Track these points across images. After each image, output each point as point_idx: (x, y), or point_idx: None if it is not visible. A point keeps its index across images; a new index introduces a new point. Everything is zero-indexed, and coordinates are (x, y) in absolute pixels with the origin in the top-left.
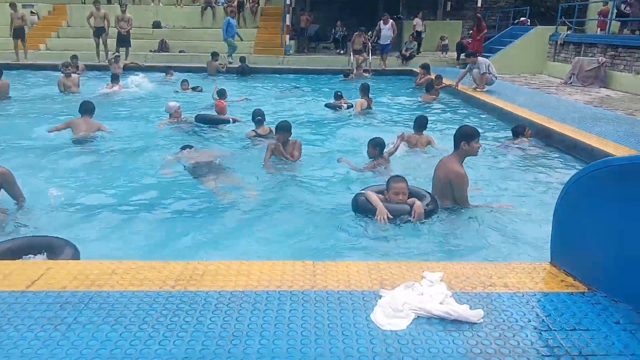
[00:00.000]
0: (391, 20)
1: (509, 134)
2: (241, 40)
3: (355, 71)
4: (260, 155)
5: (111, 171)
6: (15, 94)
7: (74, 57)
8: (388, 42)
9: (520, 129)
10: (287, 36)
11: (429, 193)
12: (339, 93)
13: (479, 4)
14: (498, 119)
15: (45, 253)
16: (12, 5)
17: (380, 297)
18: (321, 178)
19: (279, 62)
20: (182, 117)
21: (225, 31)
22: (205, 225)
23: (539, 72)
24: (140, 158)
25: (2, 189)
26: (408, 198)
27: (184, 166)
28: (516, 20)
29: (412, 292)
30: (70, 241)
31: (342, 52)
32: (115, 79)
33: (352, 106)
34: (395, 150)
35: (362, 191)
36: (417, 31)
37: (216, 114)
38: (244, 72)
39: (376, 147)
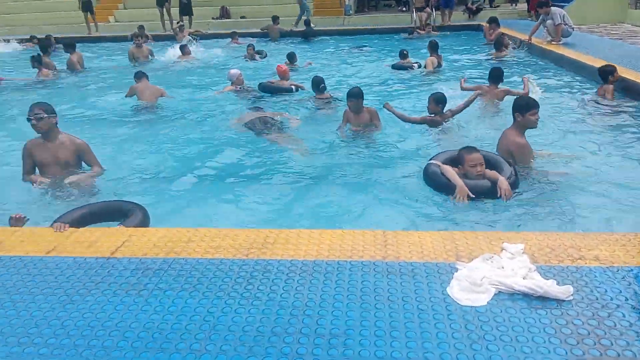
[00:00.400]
0: None
1: (588, 89)
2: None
3: (423, 29)
4: (322, 122)
5: (176, 138)
6: (88, 65)
7: (141, 27)
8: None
9: (610, 68)
10: None
11: (506, 160)
12: (404, 52)
13: None
14: (576, 73)
15: (119, 217)
16: None
17: (457, 270)
18: (394, 144)
19: (339, 24)
20: (244, 85)
21: None
22: (273, 191)
23: (620, 22)
24: (204, 124)
25: (81, 160)
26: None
27: (249, 127)
28: None
29: (491, 265)
30: (140, 205)
31: (404, 9)
32: (183, 47)
33: (421, 66)
34: (465, 107)
35: (435, 162)
36: None
37: (279, 78)
38: (307, 35)
39: (438, 103)
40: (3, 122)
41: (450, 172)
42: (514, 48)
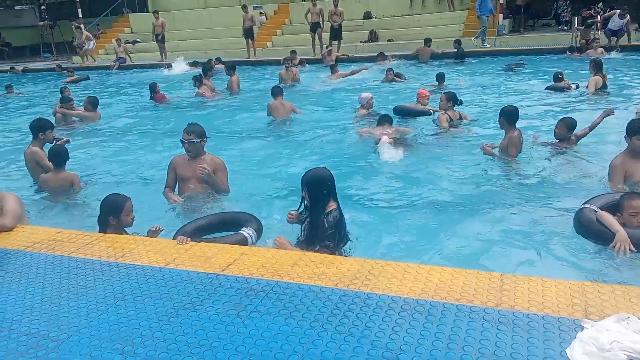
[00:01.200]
0: (628, 17)
1: None
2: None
3: (590, 50)
4: (450, 144)
5: (299, 153)
6: (245, 86)
7: (293, 52)
8: (620, 27)
9: None
10: (501, 15)
11: None
12: (559, 75)
13: None
14: None
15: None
16: (243, 8)
17: (582, 329)
18: (540, 177)
19: (490, 44)
20: (371, 110)
21: (480, 6)
22: (387, 214)
23: None
24: (330, 142)
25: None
26: None
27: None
28: None
29: (626, 328)
30: (256, 217)
31: (565, 28)
32: (333, 67)
33: (579, 87)
34: (591, 130)
35: (590, 206)
36: None
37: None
38: (460, 56)
39: (566, 127)
40: (162, 137)
41: (609, 219)
42: None
